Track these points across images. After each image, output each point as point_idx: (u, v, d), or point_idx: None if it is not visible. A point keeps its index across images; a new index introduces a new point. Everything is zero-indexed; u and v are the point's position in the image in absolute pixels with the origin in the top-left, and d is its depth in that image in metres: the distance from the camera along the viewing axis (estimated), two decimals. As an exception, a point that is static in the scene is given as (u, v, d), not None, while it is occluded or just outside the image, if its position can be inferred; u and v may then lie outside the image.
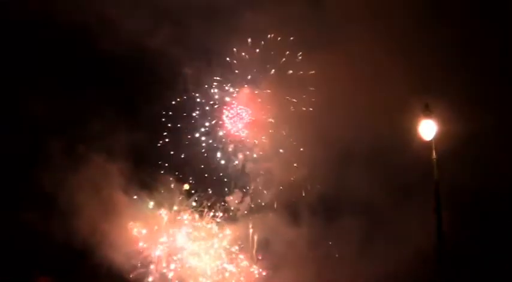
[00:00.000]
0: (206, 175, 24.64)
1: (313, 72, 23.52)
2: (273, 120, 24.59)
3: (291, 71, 24.10)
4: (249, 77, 24.66)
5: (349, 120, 21.90)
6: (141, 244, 22.15)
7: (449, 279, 14.47)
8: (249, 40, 24.25)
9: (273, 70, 24.41)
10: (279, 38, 23.98)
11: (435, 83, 20.57)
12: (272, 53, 24.25)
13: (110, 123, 21.89)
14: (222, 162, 25.00)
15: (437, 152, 14.64)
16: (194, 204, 23.47)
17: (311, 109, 23.59)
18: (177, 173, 23.74)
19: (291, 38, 23.88)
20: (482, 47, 21.27)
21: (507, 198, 20.87)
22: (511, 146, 20.62)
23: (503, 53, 21.41)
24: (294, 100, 23.99)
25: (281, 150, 24.53)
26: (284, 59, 24.24)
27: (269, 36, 24.03)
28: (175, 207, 22.88)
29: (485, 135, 20.00)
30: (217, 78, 24.85)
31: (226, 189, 24.78)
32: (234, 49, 24.28)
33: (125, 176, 22.18)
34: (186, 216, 23.02)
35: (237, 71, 24.74)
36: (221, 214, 23.78)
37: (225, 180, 25.01)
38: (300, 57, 23.97)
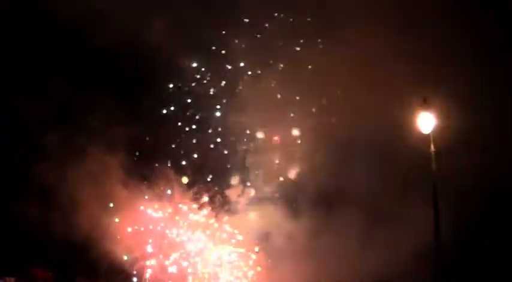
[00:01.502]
0: (206, 168, 24.64)
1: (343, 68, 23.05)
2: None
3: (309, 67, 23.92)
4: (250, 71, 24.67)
5: (348, 113, 21.89)
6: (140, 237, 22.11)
7: (448, 272, 14.46)
8: (246, 20, 24.19)
9: (277, 64, 24.41)
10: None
11: (434, 76, 20.50)
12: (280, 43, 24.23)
13: (108, 116, 21.88)
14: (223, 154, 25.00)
15: (436, 145, 14.62)
16: (194, 196, 23.40)
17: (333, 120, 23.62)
18: (176, 165, 23.71)
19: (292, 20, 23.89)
20: (482, 41, 21.22)
21: (506, 191, 20.88)
22: (510, 139, 20.60)
23: (503, 47, 21.34)
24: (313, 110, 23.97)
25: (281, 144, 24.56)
26: (283, 49, 24.22)
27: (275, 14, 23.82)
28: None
29: (483, 128, 19.98)
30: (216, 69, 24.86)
31: (226, 181, 24.75)
32: (224, 32, 24.19)
33: (124, 169, 22.15)
34: (185, 207, 22.95)
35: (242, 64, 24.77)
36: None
37: (226, 172, 24.99)
38: (321, 46, 23.88)
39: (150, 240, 22.13)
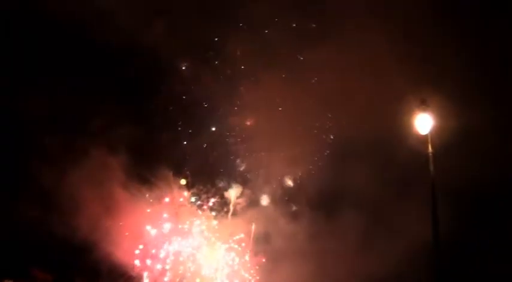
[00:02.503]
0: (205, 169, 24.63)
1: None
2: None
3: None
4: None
5: (346, 113, 21.97)
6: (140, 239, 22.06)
7: (446, 272, 14.46)
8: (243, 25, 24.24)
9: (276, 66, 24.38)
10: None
11: (432, 77, 20.56)
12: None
13: (108, 118, 21.92)
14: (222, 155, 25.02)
15: (434, 146, 14.63)
16: (193, 199, 23.34)
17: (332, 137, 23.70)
18: (176, 167, 23.67)
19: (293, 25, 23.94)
20: (480, 41, 21.28)
21: (504, 191, 20.92)
22: (507, 140, 20.65)
23: (501, 48, 21.37)
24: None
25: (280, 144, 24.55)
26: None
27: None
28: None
29: (481, 130, 20.02)
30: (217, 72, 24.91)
31: (225, 183, 24.75)
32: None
33: (124, 171, 22.11)
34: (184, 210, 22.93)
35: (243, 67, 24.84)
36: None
37: (225, 174, 25.00)
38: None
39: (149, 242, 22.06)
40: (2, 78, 21.75)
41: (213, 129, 24.95)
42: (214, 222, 23.30)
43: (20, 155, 21.65)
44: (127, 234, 21.73)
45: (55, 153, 20.99)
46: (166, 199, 22.48)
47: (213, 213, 23.52)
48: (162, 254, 22.07)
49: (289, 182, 24.42)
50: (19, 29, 22.56)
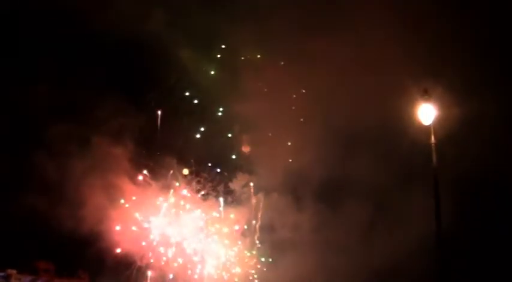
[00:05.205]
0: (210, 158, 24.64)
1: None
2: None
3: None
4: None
5: (349, 104, 21.89)
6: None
7: (448, 264, 14.49)
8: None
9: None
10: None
11: (434, 67, 20.41)
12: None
13: (112, 108, 21.93)
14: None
15: (436, 136, 14.56)
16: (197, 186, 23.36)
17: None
18: (180, 156, 23.68)
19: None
20: (482, 32, 21.10)
21: (507, 180, 20.89)
22: (510, 129, 20.58)
23: (504, 37, 21.18)
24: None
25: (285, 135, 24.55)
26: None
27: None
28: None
29: (484, 119, 19.93)
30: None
31: (230, 173, 24.79)
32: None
33: (129, 160, 22.17)
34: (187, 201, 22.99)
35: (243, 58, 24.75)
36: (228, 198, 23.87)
37: (230, 163, 25.04)
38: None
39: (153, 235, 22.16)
40: (7, 71, 21.84)
41: (217, 118, 24.94)
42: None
43: (23, 146, 21.76)
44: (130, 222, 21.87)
45: (58, 144, 21.11)
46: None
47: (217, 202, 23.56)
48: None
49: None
50: (23, 23, 22.59)
